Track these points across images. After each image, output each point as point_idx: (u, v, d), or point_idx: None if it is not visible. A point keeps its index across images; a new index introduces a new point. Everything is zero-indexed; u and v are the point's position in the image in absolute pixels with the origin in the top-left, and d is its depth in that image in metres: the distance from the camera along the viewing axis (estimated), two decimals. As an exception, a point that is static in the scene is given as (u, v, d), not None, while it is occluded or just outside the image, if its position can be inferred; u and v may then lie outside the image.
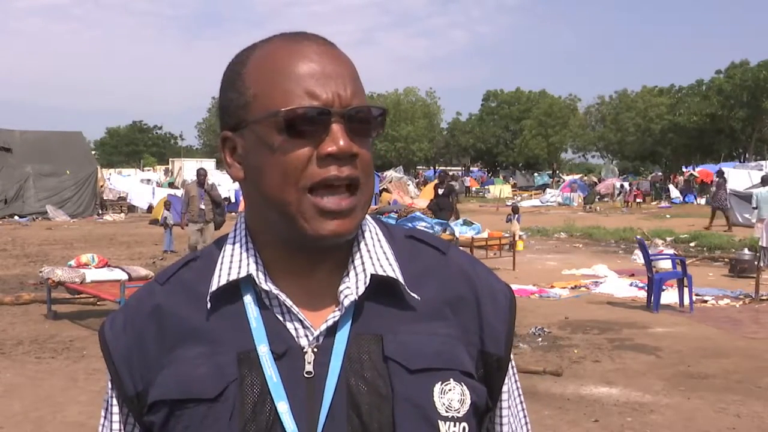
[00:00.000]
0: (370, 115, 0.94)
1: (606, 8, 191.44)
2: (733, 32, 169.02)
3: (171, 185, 39.71)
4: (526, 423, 1.10)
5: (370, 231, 1.02)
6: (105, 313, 9.11)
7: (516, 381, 1.08)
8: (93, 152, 44.56)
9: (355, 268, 0.97)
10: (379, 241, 1.01)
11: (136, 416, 0.99)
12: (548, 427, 5.17)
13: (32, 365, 6.90)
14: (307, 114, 0.90)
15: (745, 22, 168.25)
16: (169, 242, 16.13)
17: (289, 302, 0.94)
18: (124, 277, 8.68)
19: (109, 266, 9.48)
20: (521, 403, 1.09)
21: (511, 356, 1.07)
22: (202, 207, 12.54)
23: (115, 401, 1.01)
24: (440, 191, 16.31)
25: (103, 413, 1.03)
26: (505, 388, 1.04)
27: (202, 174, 12.89)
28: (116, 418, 1.01)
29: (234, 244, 1.00)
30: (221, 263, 0.98)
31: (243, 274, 0.96)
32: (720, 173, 25.78)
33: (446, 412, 0.92)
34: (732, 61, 54.07)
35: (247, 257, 0.97)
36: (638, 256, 13.04)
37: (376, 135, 0.96)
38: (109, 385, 1.02)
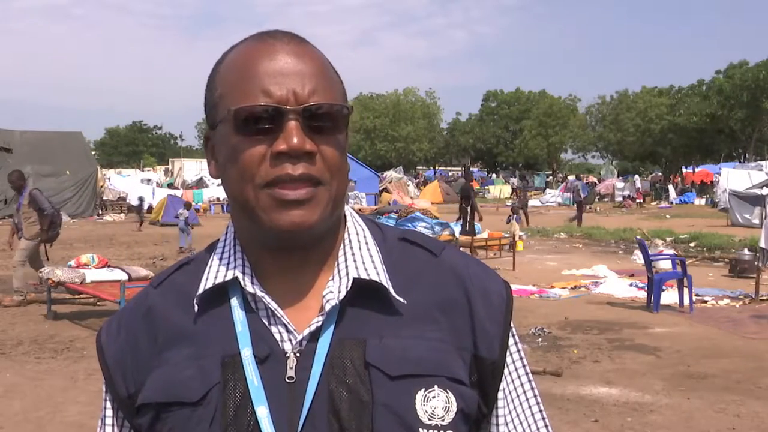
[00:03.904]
0: (330, 111, 0.92)
1: (606, 8, 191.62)
2: (733, 32, 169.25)
3: (171, 186, 39.74)
4: (546, 426, 1.04)
5: (358, 233, 1.00)
6: (105, 313, 9.12)
7: (531, 388, 1.03)
8: (93, 152, 44.54)
9: (339, 272, 0.96)
10: (366, 243, 0.99)
11: (129, 419, 0.99)
12: (548, 427, 5.17)
13: (32, 365, 6.90)
14: (257, 112, 0.90)
15: (745, 22, 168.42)
16: (183, 239, 16.47)
17: (273, 305, 0.94)
18: (124, 277, 8.68)
19: (109, 266, 9.49)
20: (540, 411, 1.03)
21: (525, 362, 1.04)
22: (15, 220, 10.19)
23: (108, 404, 1.02)
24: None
25: (101, 414, 1.04)
26: (501, 394, 1.00)
27: (13, 178, 10.20)
28: (109, 421, 1.02)
29: (224, 247, 1.00)
30: (210, 266, 0.99)
31: (229, 277, 0.96)
32: (522, 177, 26.03)
33: (429, 420, 0.90)
34: (731, 62, 54.15)
35: (235, 260, 0.98)
36: (638, 257, 13.05)
37: (343, 133, 0.94)
38: (104, 388, 1.03)
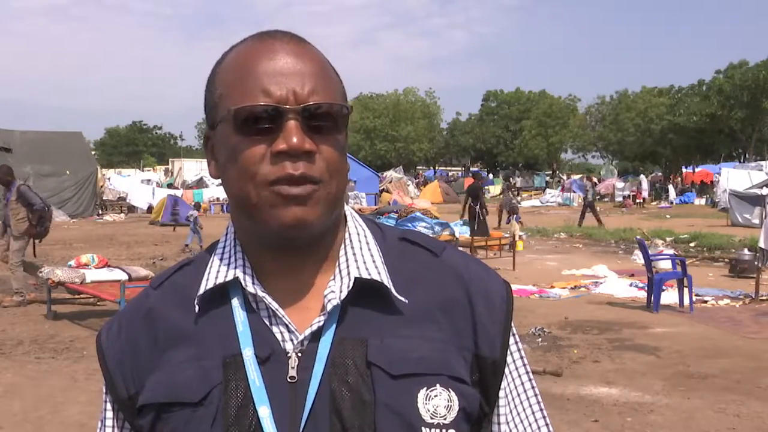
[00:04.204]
0: (330, 111, 0.92)
1: (606, 8, 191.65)
2: (733, 32, 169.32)
3: (171, 186, 39.74)
4: (547, 425, 1.04)
5: (359, 233, 1.00)
6: (105, 313, 9.12)
7: (531, 387, 1.03)
8: (93, 152, 44.55)
9: (340, 271, 0.96)
10: (367, 243, 0.99)
11: (130, 420, 0.99)
12: (548, 427, 5.16)
13: (32, 365, 6.90)
14: (256, 112, 0.90)
15: (745, 22, 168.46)
16: (190, 238, 16.55)
17: (274, 305, 0.94)
18: (124, 277, 8.68)
19: (109, 266, 9.49)
20: (541, 410, 1.04)
21: (525, 361, 1.04)
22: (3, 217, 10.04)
23: (109, 406, 1.02)
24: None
25: (100, 416, 1.04)
26: (502, 393, 1.00)
27: (0, 174, 10.01)
28: (109, 423, 1.02)
29: (224, 247, 1.00)
30: (210, 267, 0.98)
31: (230, 277, 0.96)
32: (506, 177, 26.13)
33: (431, 418, 0.90)
34: (731, 62, 54.14)
35: (235, 260, 0.98)
36: (638, 257, 13.05)
37: (343, 132, 0.95)
38: (104, 390, 1.03)
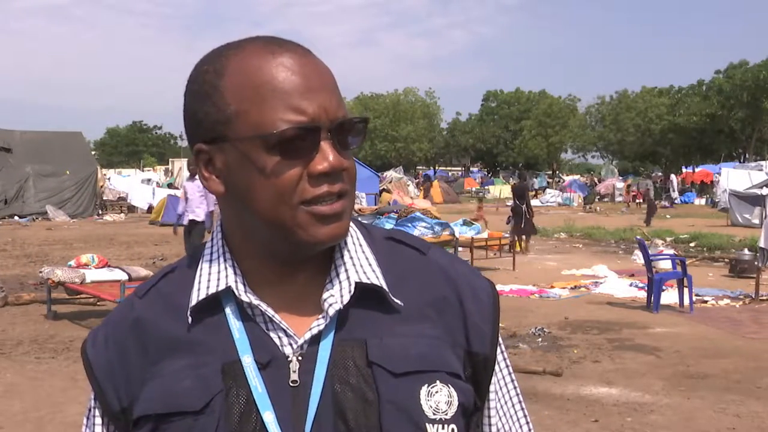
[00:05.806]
0: (354, 126, 0.94)
1: (606, 9, 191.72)
2: (733, 32, 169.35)
3: (171, 186, 39.73)
4: (527, 423, 1.08)
5: (351, 236, 1.01)
6: (105, 313, 9.10)
7: (511, 381, 1.07)
8: (93, 152, 44.55)
9: (338, 275, 0.96)
10: (360, 246, 1.00)
11: None
12: (548, 427, 5.17)
13: (32, 365, 6.90)
14: (297, 133, 0.89)
15: (745, 22, 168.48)
16: None
17: (270, 312, 0.93)
18: (124, 277, 8.67)
19: (109, 266, 9.47)
20: (519, 402, 1.07)
21: (505, 356, 1.07)
22: None
23: (99, 420, 1.00)
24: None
25: (83, 429, 1.02)
26: (492, 388, 1.03)
27: None
28: None
29: (212, 255, 0.99)
30: (200, 276, 0.97)
31: (222, 286, 0.95)
32: (427, 178, 26.08)
33: (434, 414, 0.91)
34: (731, 62, 54.15)
35: (226, 269, 0.96)
36: (638, 257, 13.05)
37: (359, 144, 0.96)
38: (92, 403, 1.01)
